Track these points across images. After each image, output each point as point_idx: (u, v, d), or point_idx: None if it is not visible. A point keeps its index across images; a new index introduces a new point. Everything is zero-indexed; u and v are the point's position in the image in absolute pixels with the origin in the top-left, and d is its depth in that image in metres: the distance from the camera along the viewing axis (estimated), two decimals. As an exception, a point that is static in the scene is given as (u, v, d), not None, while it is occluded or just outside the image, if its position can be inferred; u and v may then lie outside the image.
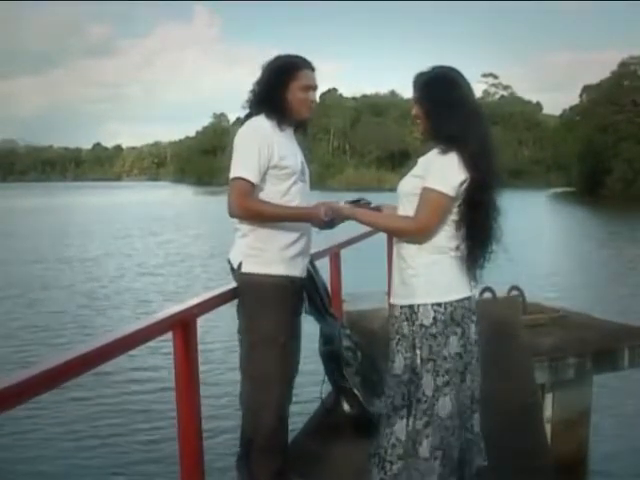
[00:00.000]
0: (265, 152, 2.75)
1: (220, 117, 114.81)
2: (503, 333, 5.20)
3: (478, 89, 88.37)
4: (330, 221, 2.82)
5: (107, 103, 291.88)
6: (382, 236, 5.01)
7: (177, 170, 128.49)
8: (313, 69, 2.94)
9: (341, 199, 2.97)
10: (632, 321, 7.02)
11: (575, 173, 60.01)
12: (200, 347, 2.55)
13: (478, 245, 2.60)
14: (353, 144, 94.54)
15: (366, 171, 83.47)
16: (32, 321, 12.57)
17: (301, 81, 2.87)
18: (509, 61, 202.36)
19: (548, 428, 5.46)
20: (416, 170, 2.65)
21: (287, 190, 2.83)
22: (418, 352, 2.55)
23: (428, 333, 2.53)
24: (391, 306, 2.69)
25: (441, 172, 2.51)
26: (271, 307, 2.78)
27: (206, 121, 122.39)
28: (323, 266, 3.99)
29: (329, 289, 3.81)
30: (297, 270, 2.89)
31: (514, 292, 6.97)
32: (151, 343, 2.42)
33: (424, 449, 2.54)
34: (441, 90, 2.59)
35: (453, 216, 2.55)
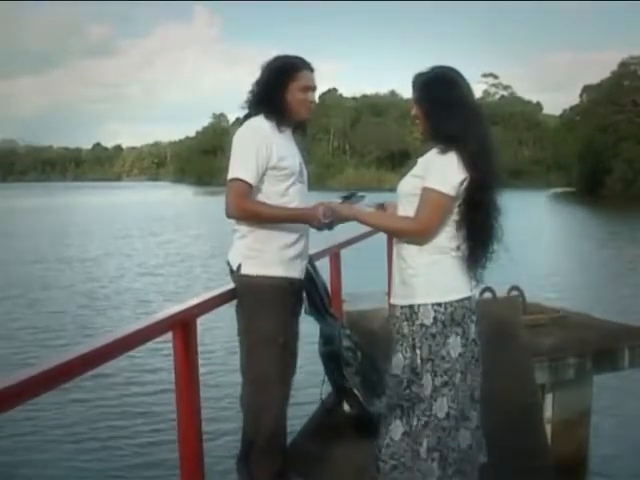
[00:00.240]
0: (264, 153, 2.75)
1: (220, 117, 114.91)
2: (503, 333, 5.20)
3: (478, 89, 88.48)
4: (329, 222, 2.81)
5: (107, 103, 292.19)
6: (382, 236, 5.02)
7: (177, 170, 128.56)
8: (312, 70, 2.94)
9: (338, 197, 2.98)
10: (632, 321, 7.02)
11: (575, 173, 60.01)
12: (200, 348, 2.55)
13: (479, 245, 2.60)
14: (353, 144, 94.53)
15: (366, 171, 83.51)
16: (32, 322, 12.56)
17: (300, 82, 2.87)
18: (509, 61, 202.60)
19: (548, 428, 5.46)
20: (416, 170, 2.65)
21: (286, 191, 2.82)
22: (418, 352, 2.55)
23: (428, 333, 2.53)
24: (391, 306, 2.70)
25: (441, 172, 2.51)
26: (270, 308, 2.78)
27: (206, 121, 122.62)
28: (323, 266, 3.99)
29: (329, 289, 3.81)
30: (296, 271, 2.89)
31: (514, 292, 6.97)
32: (152, 344, 2.42)
33: (424, 449, 2.54)
34: (440, 90, 2.59)
35: (454, 216, 2.55)
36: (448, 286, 2.56)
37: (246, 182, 2.72)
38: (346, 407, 3.57)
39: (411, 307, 2.56)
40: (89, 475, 6.43)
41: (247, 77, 2.98)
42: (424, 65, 2.66)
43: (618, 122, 55.06)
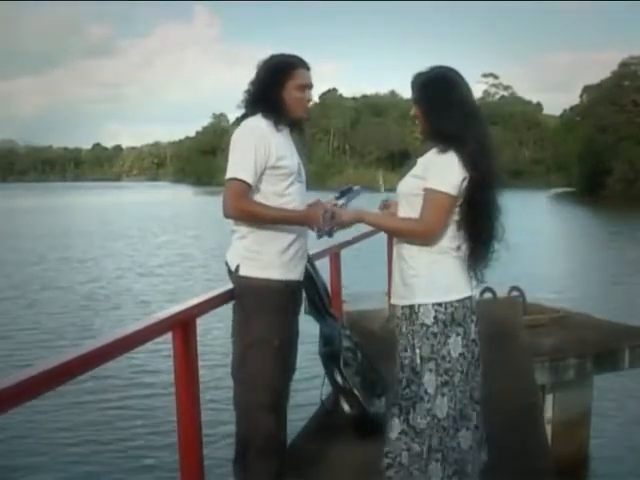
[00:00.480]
0: (262, 152, 2.73)
1: (220, 117, 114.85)
2: (503, 333, 5.20)
3: (478, 89, 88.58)
4: (329, 230, 2.79)
5: (107, 103, 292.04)
6: (382, 236, 5.02)
7: (177, 170, 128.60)
8: (308, 68, 2.92)
9: (335, 193, 2.97)
10: (632, 321, 7.02)
11: (575, 173, 60.00)
12: (200, 349, 2.54)
13: (480, 245, 2.60)
14: (353, 144, 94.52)
15: (366, 171, 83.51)
16: (32, 322, 12.56)
17: (297, 80, 2.86)
18: (509, 61, 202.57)
19: (548, 429, 5.45)
20: (415, 170, 2.64)
21: (285, 190, 2.81)
22: (418, 351, 2.55)
23: (429, 332, 2.53)
24: (392, 306, 2.69)
25: (441, 172, 2.51)
26: (267, 310, 2.77)
27: (206, 121, 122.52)
28: (323, 266, 3.99)
29: (329, 289, 3.81)
30: (294, 273, 2.87)
31: (514, 292, 6.97)
32: (153, 346, 2.41)
33: (426, 449, 2.54)
34: (439, 90, 2.59)
35: (454, 216, 2.55)
36: (449, 286, 2.56)
37: (244, 182, 2.70)
38: (346, 407, 3.56)
39: (412, 307, 2.56)
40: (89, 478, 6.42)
41: (247, 77, 2.96)
42: (424, 65, 2.67)
43: (618, 122, 55.05)
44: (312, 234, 2.94)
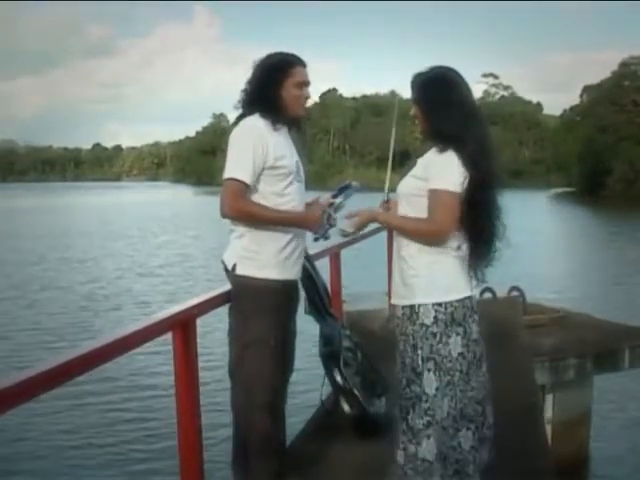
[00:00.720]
0: (260, 152, 2.72)
1: (220, 117, 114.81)
2: (503, 333, 5.19)
3: (478, 89, 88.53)
4: (324, 232, 2.82)
5: (107, 103, 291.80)
6: (382, 236, 5.01)
7: (177, 170, 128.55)
8: (305, 65, 2.92)
9: (333, 191, 2.98)
10: (632, 321, 7.02)
11: (575, 173, 59.99)
12: (200, 350, 2.54)
13: (480, 245, 2.60)
14: (353, 144, 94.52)
15: (366, 171, 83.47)
16: (32, 323, 12.56)
17: (295, 78, 2.85)
18: (509, 61, 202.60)
19: (548, 429, 5.45)
20: (415, 171, 2.65)
21: (283, 190, 2.81)
22: (419, 352, 2.55)
23: (429, 332, 2.53)
24: (393, 306, 2.69)
25: (443, 171, 2.52)
26: (263, 310, 2.76)
27: (206, 121, 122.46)
28: (323, 266, 3.99)
29: (329, 289, 3.81)
30: (291, 273, 2.87)
31: (514, 292, 6.97)
32: (154, 347, 2.41)
33: (423, 450, 2.54)
34: (439, 90, 2.60)
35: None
36: (448, 286, 2.56)
37: (242, 182, 2.70)
38: (346, 407, 3.56)
39: (412, 307, 2.56)
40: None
41: (247, 77, 2.97)
42: (424, 65, 2.66)
43: (618, 122, 55.04)
44: (310, 234, 2.95)
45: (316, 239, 2.96)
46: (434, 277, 2.56)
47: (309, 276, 3.39)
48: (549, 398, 5.82)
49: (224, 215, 2.77)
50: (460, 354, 2.54)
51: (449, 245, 2.57)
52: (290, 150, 2.89)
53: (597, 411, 6.53)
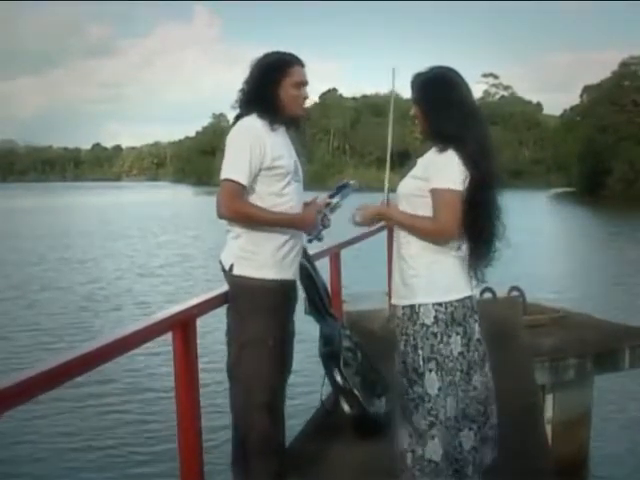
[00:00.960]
0: (257, 153, 2.72)
1: (220, 117, 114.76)
2: (503, 334, 5.19)
3: (478, 89, 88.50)
4: (317, 233, 2.84)
5: (107, 103, 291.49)
6: (382, 236, 5.01)
7: (177, 170, 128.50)
8: (303, 65, 2.91)
9: (329, 193, 2.98)
10: (633, 321, 7.02)
11: (575, 173, 59.98)
12: (199, 351, 2.54)
13: (480, 244, 2.60)
14: (353, 144, 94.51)
15: (366, 171, 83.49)
16: (31, 323, 12.54)
17: (293, 77, 2.84)
18: (509, 61, 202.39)
19: (549, 429, 5.45)
20: (415, 171, 2.65)
21: (282, 190, 2.80)
22: (420, 352, 2.55)
23: (429, 332, 2.53)
24: (393, 306, 2.69)
25: (443, 170, 2.52)
26: (261, 310, 2.76)
27: (206, 121, 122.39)
28: (323, 266, 3.99)
29: (329, 289, 3.81)
30: (289, 273, 2.87)
31: (514, 292, 6.97)
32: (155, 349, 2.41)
33: (429, 451, 2.54)
34: (439, 90, 2.60)
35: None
36: (449, 286, 2.56)
37: (238, 183, 2.69)
38: (346, 407, 3.56)
39: (412, 307, 2.56)
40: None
41: (247, 76, 2.96)
42: (424, 65, 2.66)
43: (618, 122, 55.02)
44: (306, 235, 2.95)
45: (310, 240, 2.97)
46: (434, 277, 2.56)
47: (309, 276, 3.39)
48: (549, 398, 5.82)
49: (220, 216, 2.77)
50: (460, 353, 2.54)
51: (449, 245, 2.57)
52: (288, 150, 2.88)
53: (597, 411, 6.52)
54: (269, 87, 2.81)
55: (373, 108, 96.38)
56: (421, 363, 2.55)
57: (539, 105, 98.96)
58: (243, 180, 2.70)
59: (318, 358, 3.63)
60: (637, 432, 7.27)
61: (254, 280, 2.77)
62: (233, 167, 2.72)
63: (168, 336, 2.45)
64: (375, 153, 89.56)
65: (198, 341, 2.54)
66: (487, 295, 6.65)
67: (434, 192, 2.52)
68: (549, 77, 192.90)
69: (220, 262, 2.87)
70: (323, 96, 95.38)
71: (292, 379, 3.06)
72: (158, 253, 23.31)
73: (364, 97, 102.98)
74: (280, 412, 2.92)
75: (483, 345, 2.61)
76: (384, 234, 4.95)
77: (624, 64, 59.17)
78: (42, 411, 7.35)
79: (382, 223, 2.80)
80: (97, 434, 7.36)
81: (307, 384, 5.93)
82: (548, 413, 5.75)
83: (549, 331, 6.26)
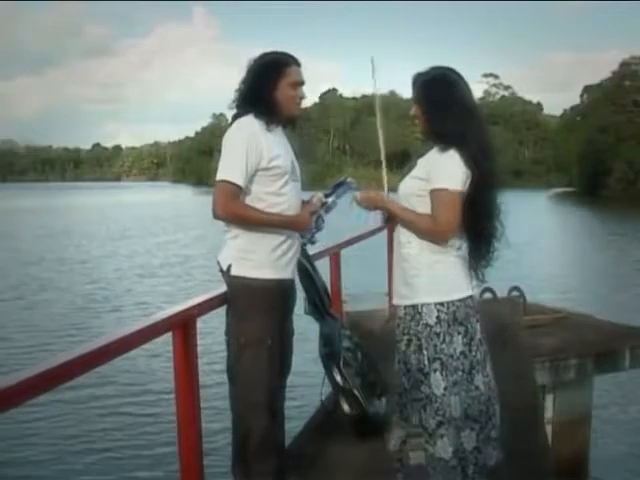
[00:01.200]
0: (253, 154, 2.71)
1: (220, 117, 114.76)
2: (504, 334, 5.18)
3: (479, 89, 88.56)
4: (311, 236, 2.85)
5: (107, 103, 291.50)
6: (382, 236, 5.01)
7: (177, 170, 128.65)
8: (299, 65, 2.91)
9: (325, 192, 2.98)
10: (633, 322, 7.01)
11: (576, 173, 60.02)
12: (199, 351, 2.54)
13: (481, 244, 2.60)
14: (353, 144, 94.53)
15: (366, 171, 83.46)
16: (31, 324, 12.52)
17: (290, 77, 2.84)
18: (509, 61, 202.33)
19: (549, 429, 5.44)
20: (416, 171, 2.65)
21: (279, 190, 2.80)
22: (425, 352, 2.55)
23: (433, 332, 2.53)
24: (394, 307, 2.69)
25: (445, 170, 2.52)
26: (259, 310, 2.76)
27: (206, 121, 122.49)
28: (323, 266, 3.98)
29: (329, 290, 3.81)
30: (287, 272, 2.87)
31: (515, 293, 6.96)
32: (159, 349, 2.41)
33: (439, 449, 2.55)
34: (440, 90, 2.60)
35: (458, 214, 2.56)
36: (450, 285, 2.57)
37: (234, 184, 2.69)
38: (346, 407, 3.56)
39: (414, 307, 2.57)
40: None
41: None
42: (425, 65, 2.67)
43: (619, 122, 55.04)
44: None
45: (304, 244, 2.97)
46: (436, 277, 2.56)
47: (309, 276, 3.39)
48: (549, 398, 5.81)
49: (216, 217, 2.76)
50: (462, 353, 2.54)
51: (450, 245, 2.58)
52: (285, 150, 2.87)
53: (597, 412, 6.52)
54: (266, 87, 2.81)
55: (373, 108, 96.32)
56: (426, 363, 2.55)
57: (539, 105, 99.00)
58: (239, 181, 2.70)
59: (318, 358, 3.63)
60: (637, 432, 7.27)
61: (252, 280, 2.77)
62: (229, 168, 2.72)
63: (168, 336, 2.45)
64: (375, 153, 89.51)
65: (198, 340, 2.54)
66: (487, 295, 6.64)
67: (434, 191, 2.52)
68: (549, 77, 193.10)
69: (218, 263, 2.87)
70: (323, 96, 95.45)
71: (292, 379, 3.06)
72: (158, 253, 23.30)
73: (364, 97, 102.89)
74: (280, 412, 2.92)
75: (484, 345, 2.61)
76: (384, 234, 4.95)
77: (624, 64, 59.20)
78: (42, 413, 7.35)
79: (379, 212, 2.77)
80: (97, 437, 7.34)
81: (307, 384, 5.92)
82: (548, 413, 5.74)
83: (549, 331, 6.25)
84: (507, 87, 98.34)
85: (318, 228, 2.96)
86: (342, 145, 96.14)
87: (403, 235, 2.64)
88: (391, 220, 2.75)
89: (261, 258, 2.78)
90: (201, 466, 2.57)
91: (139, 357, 8.98)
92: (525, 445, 3.61)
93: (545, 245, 24.28)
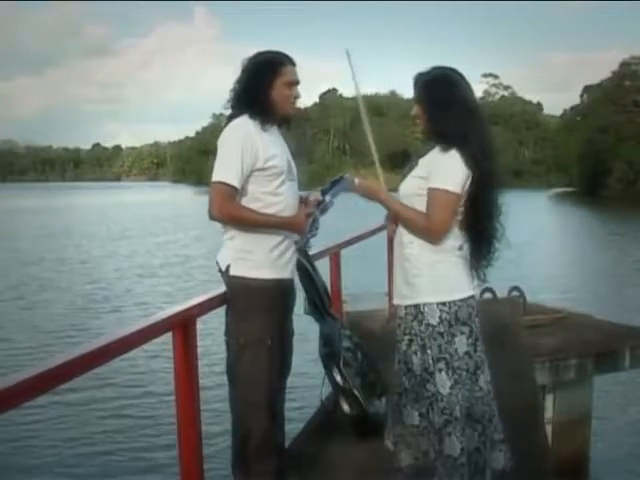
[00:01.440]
0: (248, 154, 2.71)
1: (219, 118, 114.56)
2: (503, 334, 5.18)
3: (479, 89, 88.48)
4: (306, 241, 2.85)
5: (107, 103, 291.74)
6: (382, 236, 5.00)
7: (177, 170, 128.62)
8: (294, 64, 2.91)
9: (321, 189, 2.97)
10: (633, 322, 7.00)
11: (576, 173, 60.00)
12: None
13: (482, 244, 2.60)
14: (353, 144, 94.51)
15: (366, 171, 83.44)
16: (31, 324, 12.51)
17: (285, 77, 2.84)
18: (509, 61, 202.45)
19: (549, 429, 5.44)
20: (417, 171, 2.65)
21: (276, 190, 2.79)
22: (429, 352, 2.55)
23: (436, 332, 2.54)
24: (395, 307, 2.69)
25: (444, 170, 2.52)
26: (258, 310, 2.76)
27: (206, 121, 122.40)
28: (323, 266, 3.98)
29: (329, 290, 3.81)
30: (285, 272, 2.86)
31: (515, 293, 6.96)
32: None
33: (447, 447, 2.55)
34: (441, 90, 2.60)
35: (457, 215, 2.56)
36: (452, 285, 2.57)
37: (229, 185, 2.69)
38: (346, 407, 3.56)
39: (416, 307, 2.57)
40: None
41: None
42: (425, 65, 2.68)
43: (619, 122, 55.03)
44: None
45: (299, 249, 2.96)
46: (437, 276, 2.56)
47: (309, 276, 3.38)
48: (549, 398, 5.80)
49: (212, 218, 2.76)
50: (466, 353, 2.54)
51: (451, 244, 2.58)
52: (281, 149, 2.87)
53: (597, 412, 6.52)
54: (261, 87, 2.80)
55: (373, 108, 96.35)
56: (430, 362, 2.55)
57: (539, 105, 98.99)
58: (234, 182, 2.69)
59: (318, 359, 3.63)
60: (637, 432, 7.27)
61: (251, 280, 2.77)
62: (224, 169, 2.71)
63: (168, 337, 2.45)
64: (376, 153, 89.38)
65: (198, 342, 2.54)
66: (487, 295, 6.63)
67: (431, 190, 2.52)
68: (549, 77, 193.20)
69: (217, 263, 2.87)
70: (323, 96, 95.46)
71: (292, 380, 3.06)
72: (158, 253, 23.29)
73: (364, 97, 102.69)
74: (280, 412, 2.92)
75: (482, 346, 2.62)
76: (384, 234, 4.95)
77: (624, 64, 59.18)
78: (42, 414, 7.34)
79: (375, 200, 2.77)
80: (98, 439, 7.32)
81: (307, 386, 5.92)
82: (548, 413, 5.74)
83: (549, 331, 6.25)
84: (507, 87, 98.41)
85: (312, 234, 2.95)
86: (342, 145, 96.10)
87: (405, 235, 2.64)
88: (392, 222, 2.75)
89: (259, 258, 2.78)
90: (201, 469, 2.57)
91: (139, 358, 8.97)
92: (525, 445, 3.60)
93: (545, 245, 24.27)
